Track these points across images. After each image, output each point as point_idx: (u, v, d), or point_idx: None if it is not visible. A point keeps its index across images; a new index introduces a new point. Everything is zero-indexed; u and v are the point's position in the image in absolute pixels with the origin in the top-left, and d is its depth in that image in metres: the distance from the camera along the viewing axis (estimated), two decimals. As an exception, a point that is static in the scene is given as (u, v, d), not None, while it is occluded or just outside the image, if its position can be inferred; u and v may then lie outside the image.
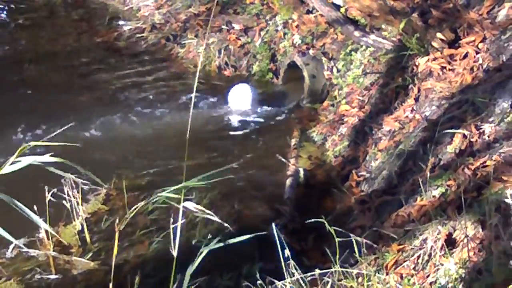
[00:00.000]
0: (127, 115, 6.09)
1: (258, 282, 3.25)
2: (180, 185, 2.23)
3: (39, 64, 7.09)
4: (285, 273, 3.18)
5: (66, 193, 4.36)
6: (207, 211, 2.19)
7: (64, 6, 8.48)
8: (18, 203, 2.13)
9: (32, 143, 2.20)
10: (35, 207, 4.17)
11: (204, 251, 2.21)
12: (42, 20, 8.16)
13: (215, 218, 2.19)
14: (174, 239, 2.21)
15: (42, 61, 7.15)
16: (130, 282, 3.90)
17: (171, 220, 2.35)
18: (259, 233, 2.41)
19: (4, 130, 5.73)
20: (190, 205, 2.18)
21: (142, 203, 2.26)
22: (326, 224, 3.12)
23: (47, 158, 2.19)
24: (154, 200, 2.36)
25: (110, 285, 2.42)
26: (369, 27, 5.91)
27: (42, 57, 7.24)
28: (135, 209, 2.25)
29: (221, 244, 2.22)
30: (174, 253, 2.17)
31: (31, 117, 5.95)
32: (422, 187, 3.91)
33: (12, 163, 2.11)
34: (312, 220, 3.39)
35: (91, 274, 4.14)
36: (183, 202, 2.22)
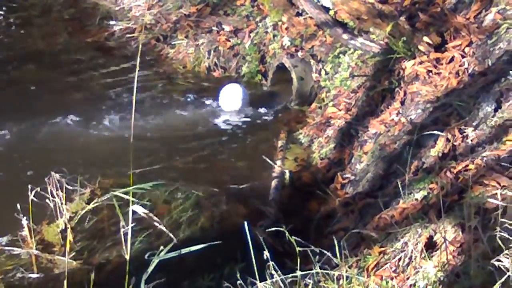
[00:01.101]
0: (115, 114, 6.09)
1: (239, 282, 3.25)
2: (128, 188, 2.21)
3: (28, 62, 7.08)
4: (266, 274, 3.18)
5: (49, 192, 4.35)
6: (155, 218, 2.18)
7: (56, 6, 8.46)
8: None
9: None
10: (18, 206, 4.21)
11: (155, 261, 2.19)
12: (33, 19, 8.14)
13: (161, 227, 2.18)
14: (126, 242, 2.19)
15: (31, 60, 7.13)
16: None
17: (121, 224, 2.34)
18: (213, 243, 2.38)
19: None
20: (139, 209, 2.16)
21: (92, 204, 2.25)
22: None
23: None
24: (102, 200, 2.34)
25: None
26: (358, 30, 5.92)
27: (31, 56, 7.23)
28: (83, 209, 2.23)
29: (174, 254, 2.19)
30: (127, 257, 2.15)
31: (19, 115, 5.94)
32: (404, 190, 3.92)
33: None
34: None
35: (73, 273, 4.13)
36: (132, 205, 2.20)
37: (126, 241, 2.19)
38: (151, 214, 2.17)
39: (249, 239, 2.75)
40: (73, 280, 4.08)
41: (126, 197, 2.21)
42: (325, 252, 3.27)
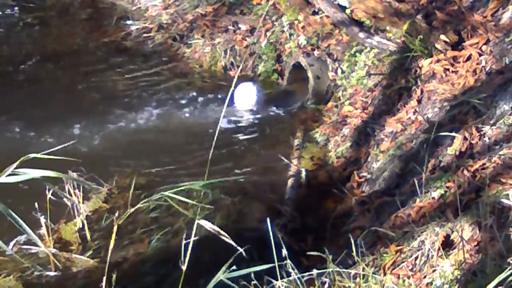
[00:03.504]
0: (132, 114, 6.11)
1: (254, 282, 3.25)
2: (184, 186, 2.22)
3: (45, 62, 7.12)
4: (282, 273, 3.17)
5: (67, 191, 4.39)
6: (222, 232, 2.17)
7: (73, 6, 8.51)
8: (13, 214, 2.11)
9: (32, 155, 2.19)
10: (36, 205, 4.24)
11: (221, 276, 2.20)
12: (50, 19, 8.19)
13: (229, 241, 2.17)
14: (185, 255, 2.19)
15: (49, 60, 7.18)
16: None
17: (184, 235, 2.34)
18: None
19: (9, 127, 5.78)
20: (207, 224, 2.16)
21: (143, 201, 2.26)
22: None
23: (45, 172, 2.18)
24: (155, 199, 2.35)
25: (104, 279, 2.42)
26: (374, 29, 5.90)
27: (49, 56, 7.27)
28: (136, 207, 2.25)
29: (236, 274, 2.19)
30: (183, 267, 2.16)
31: (37, 115, 5.99)
32: (421, 188, 3.90)
33: (9, 175, 2.11)
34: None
35: (90, 271, 4.16)
36: (200, 218, 2.21)
37: (185, 252, 2.19)
38: (218, 229, 2.17)
39: (272, 236, 2.74)
40: (90, 278, 4.12)
41: (177, 197, 2.21)
42: (342, 250, 3.28)
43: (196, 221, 2.20)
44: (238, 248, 2.38)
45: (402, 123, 4.98)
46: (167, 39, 7.39)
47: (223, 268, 2.21)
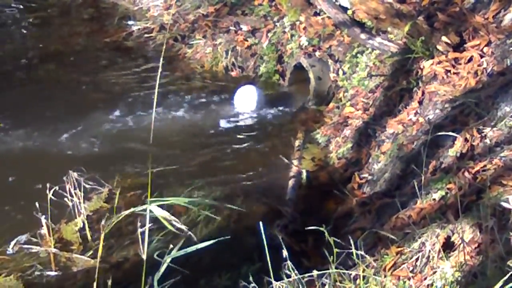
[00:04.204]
0: (133, 114, 6.12)
1: (254, 283, 3.25)
2: (168, 200, 2.21)
3: (47, 62, 7.14)
4: (283, 274, 3.18)
5: (68, 191, 4.39)
6: (173, 218, 2.16)
7: (75, 6, 8.52)
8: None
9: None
10: (37, 204, 4.24)
11: (167, 259, 2.19)
12: (52, 19, 8.21)
13: (179, 225, 2.16)
14: (143, 243, 2.19)
15: (50, 60, 7.19)
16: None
17: (138, 223, 2.34)
18: (223, 238, 2.37)
19: (11, 126, 5.79)
20: (157, 211, 2.15)
21: (127, 211, 2.24)
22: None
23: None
24: (138, 210, 2.33)
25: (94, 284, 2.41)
26: (376, 30, 5.90)
27: (51, 56, 7.29)
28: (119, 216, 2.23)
29: (182, 253, 2.18)
30: (144, 256, 2.15)
31: (38, 114, 5.99)
32: (422, 190, 3.90)
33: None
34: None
35: (91, 271, 4.15)
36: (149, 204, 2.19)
37: (143, 240, 2.18)
38: (169, 215, 2.15)
39: (265, 239, 2.74)
40: (90, 278, 4.12)
41: (162, 211, 2.19)
42: (342, 251, 3.27)
43: (148, 207, 2.18)
44: (192, 234, 2.36)
45: (403, 124, 4.97)
46: (169, 40, 7.39)
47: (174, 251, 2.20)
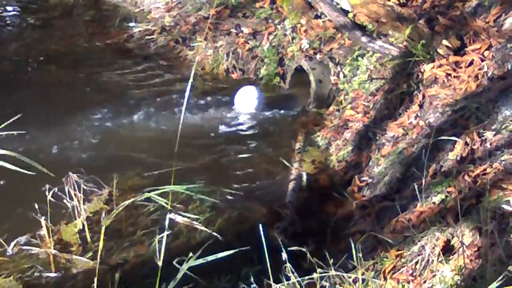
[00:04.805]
0: (134, 116, 6.12)
1: (254, 285, 3.26)
2: (165, 188, 2.21)
3: (48, 63, 7.15)
4: (282, 276, 3.18)
5: (67, 192, 4.39)
6: (195, 222, 2.16)
7: (76, 7, 8.53)
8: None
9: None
10: (37, 206, 4.24)
11: (185, 267, 2.18)
12: (53, 21, 8.23)
13: (202, 228, 2.17)
14: (160, 248, 2.18)
15: (51, 61, 7.21)
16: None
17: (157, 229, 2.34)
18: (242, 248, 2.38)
19: (11, 126, 5.77)
20: (178, 218, 2.15)
21: (129, 201, 2.25)
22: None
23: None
24: (140, 199, 2.34)
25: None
26: (376, 33, 5.90)
27: (52, 57, 7.30)
28: (120, 207, 2.23)
29: (202, 261, 2.17)
30: (159, 263, 2.14)
31: (39, 115, 5.99)
32: (422, 193, 3.90)
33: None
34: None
35: (90, 273, 4.15)
36: (171, 210, 2.20)
37: (160, 246, 2.18)
38: (188, 220, 2.15)
39: (264, 242, 2.75)
40: (90, 280, 4.12)
41: (160, 199, 2.19)
42: (342, 254, 3.27)
43: (168, 216, 2.18)
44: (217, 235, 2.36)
45: (404, 127, 4.97)
46: (170, 42, 7.41)
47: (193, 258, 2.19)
